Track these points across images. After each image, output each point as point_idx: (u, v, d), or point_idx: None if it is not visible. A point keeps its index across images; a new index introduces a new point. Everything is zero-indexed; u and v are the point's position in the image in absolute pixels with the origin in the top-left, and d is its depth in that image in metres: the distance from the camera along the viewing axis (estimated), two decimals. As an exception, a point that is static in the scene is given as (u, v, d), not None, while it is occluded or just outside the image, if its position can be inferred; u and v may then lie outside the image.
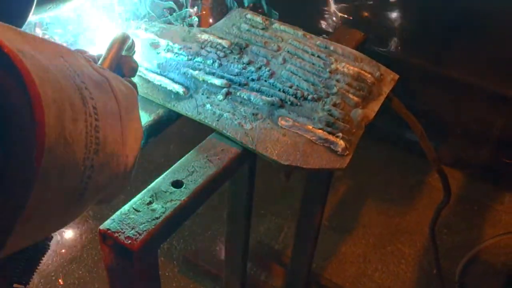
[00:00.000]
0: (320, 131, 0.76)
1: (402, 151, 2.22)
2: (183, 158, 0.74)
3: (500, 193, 2.08)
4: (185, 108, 0.79)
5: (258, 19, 0.93)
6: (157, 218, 0.64)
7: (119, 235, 0.61)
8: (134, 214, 0.64)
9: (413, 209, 1.98)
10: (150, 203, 0.66)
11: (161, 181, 0.70)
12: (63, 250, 1.73)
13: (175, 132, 2.22)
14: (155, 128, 0.79)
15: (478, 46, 1.92)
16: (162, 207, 0.66)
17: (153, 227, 0.63)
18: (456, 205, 2.02)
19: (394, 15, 2.04)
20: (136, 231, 0.62)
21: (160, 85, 0.81)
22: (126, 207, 0.66)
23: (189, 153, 0.75)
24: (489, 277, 1.77)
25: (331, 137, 0.75)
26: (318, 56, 0.86)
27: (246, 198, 1.09)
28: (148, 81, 0.82)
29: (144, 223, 0.63)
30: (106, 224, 0.63)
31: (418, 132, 0.94)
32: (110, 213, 1.94)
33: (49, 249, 0.48)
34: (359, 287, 1.69)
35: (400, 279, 1.73)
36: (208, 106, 0.78)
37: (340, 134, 0.76)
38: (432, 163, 1.00)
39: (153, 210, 0.65)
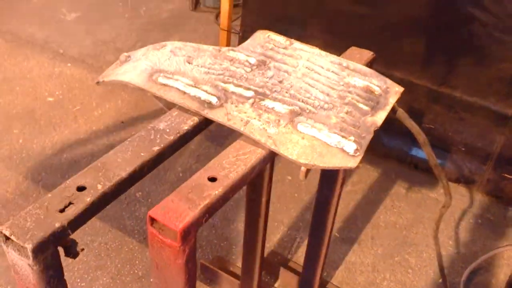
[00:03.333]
0: (334, 135, 0.87)
1: (408, 167, 2.32)
2: (215, 158, 0.85)
3: (502, 207, 2.17)
4: (217, 115, 0.91)
5: (280, 39, 1.06)
6: (196, 206, 0.75)
7: (165, 218, 0.72)
8: (177, 203, 0.75)
9: (419, 222, 2.07)
10: (189, 193, 0.77)
11: (198, 176, 0.81)
12: (88, 258, 1.83)
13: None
14: (192, 133, 0.91)
15: (480, 67, 2.04)
16: (200, 197, 0.77)
17: (193, 215, 0.74)
18: (460, 219, 2.11)
19: (401, 38, 2.17)
20: (180, 216, 0.73)
21: (195, 96, 0.93)
22: (170, 197, 0.77)
23: (221, 153, 0.86)
24: (493, 287, 1.84)
25: (344, 140, 0.87)
26: (333, 71, 0.98)
27: (264, 202, 1.20)
28: (184, 93, 0.94)
29: (185, 213, 0.74)
30: (154, 210, 0.74)
31: (422, 139, 1.04)
32: (128, 222, 2.03)
33: None
34: (368, 295, 1.78)
35: (407, 287, 1.82)
36: (236, 113, 0.90)
37: (352, 138, 0.87)
38: (433, 168, 1.10)
39: (193, 199, 0.76)
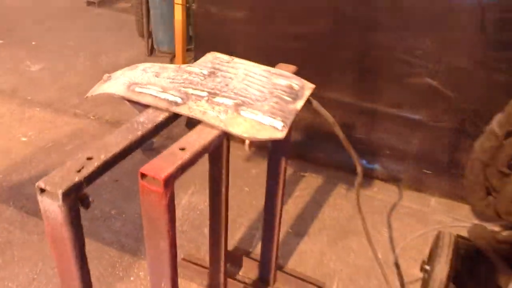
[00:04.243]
0: (267, 117, 1.23)
1: (347, 173, 2.70)
2: (183, 137, 1.19)
3: (426, 198, 2.57)
4: (182, 110, 1.25)
5: (225, 56, 1.43)
6: (173, 164, 1.08)
7: (152, 172, 1.05)
8: (159, 163, 1.08)
9: (357, 215, 2.42)
10: (167, 158, 1.10)
11: (172, 148, 1.14)
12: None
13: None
14: (164, 124, 1.24)
15: (393, 83, 2.48)
16: (175, 159, 1.10)
17: (171, 169, 1.06)
18: (391, 210, 2.50)
19: (332, 67, 2.60)
20: (162, 170, 1.05)
21: (165, 98, 1.27)
22: (153, 160, 1.09)
23: (187, 134, 1.20)
24: (419, 260, 2.20)
25: (274, 120, 1.23)
26: (264, 76, 1.36)
27: (224, 176, 1.52)
28: (156, 97, 1.28)
29: (165, 168, 1.07)
30: (144, 168, 1.06)
31: (331, 122, 1.41)
32: (106, 235, 2.30)
33: None
34: (318, 273, 2.10)
35: (350, 265, 2.15)
36: (196, 107, 1.25)
37: (280, 118, 1.23)
38: (343, 142, 1.47)
39: (170, 160, 1.09)
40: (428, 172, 2.55)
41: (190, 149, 1.14)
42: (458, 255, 1.93)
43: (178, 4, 3.10)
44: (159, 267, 1.18)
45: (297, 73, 1.56)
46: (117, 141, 1.15)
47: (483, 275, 1.95)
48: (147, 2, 3.87)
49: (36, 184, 1.01)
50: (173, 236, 1.13)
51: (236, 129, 1.21)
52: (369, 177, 2.67)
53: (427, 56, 2.31)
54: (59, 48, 4.14)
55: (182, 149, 1.14)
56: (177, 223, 2.32)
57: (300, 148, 2.78)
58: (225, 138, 1.29)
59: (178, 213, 2.39)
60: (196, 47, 3.06)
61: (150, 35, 4.06)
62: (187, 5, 3.16)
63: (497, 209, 1.72)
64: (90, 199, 1.06)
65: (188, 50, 3.54)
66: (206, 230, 2.28)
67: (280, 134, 1.21)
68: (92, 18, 4.83)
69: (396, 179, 2.63)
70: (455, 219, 2.46)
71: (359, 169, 1.57)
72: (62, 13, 4.88)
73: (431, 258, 1.86)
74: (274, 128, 1.22)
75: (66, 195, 0.99)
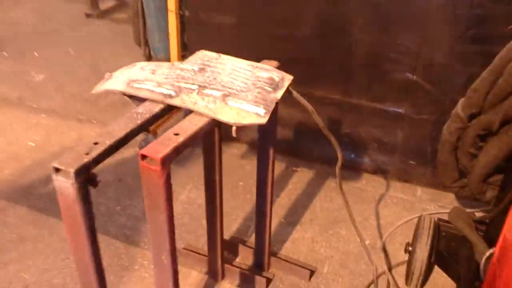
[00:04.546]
0: (251, 105, 1.39)
1: (337, 167, 2.85)
2: (177, 124, 1.34)
3: (413, 188, 2.72)
4: (175, 101, 1.40)
5: (213, 54, 1.59)
6: (168, 146, 1.23)
7: (151, 153, 1.20)
8: (157, 146, 1.23)
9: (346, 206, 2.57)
10: (163, 142, 1.25)
11: (167, 134, 1.29)
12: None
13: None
14: (160, 114, 1.40)
15: (377, 79, 2.63)
16: (170, 143, 1.25)
17: (167, 150, 1.22)
18: (379, 200, 2.64)
19: (318, 64, 2.75)
20: (160, 152, 1.20)
21: (160, 92, 1.43)
22: (151, 144, 1.24)
23: (180, 122, 1.35)
24: (404, 246, 2.34)
25: (257, 108, 1.38)
26: (248, 70, 1.52)
27: (217, 165, 1.67)
28: (153, 91, 1.44)
29: (162, 150, 1.22)
30: (143, 150, 1.21)
31: (310, 110, 1.56)
32: (112, 228, 2.45)
33: None
34: (310, 259, 2.24)
35: (339, 251, 2.30)
36: (188, 99, 1.41)
37: (262, 106, 1.39)
38: (322, 130, 1.62)
39: (166, 144, 1.24)
40: (413, 163, 2.70)
41: (183, 134, 1.30)
42: (440, 237, 2.07)
43: (171, 11, 3.26)
44: (159, 240, 1.33)
45: (279, 67, 1.72)
46: (119, 129, 1.30)
47: (463, 254, 2.09)
48: (143, 12, 4.04)
49: (51, 164, 1.16)
50: (170, 210, 1.28)
51: (224, 116, 1.36)
52: (357, 170, 2.81)
53: (407, 52, 2.46)
54: (61, 58, 4.31)
55: (176, 134, 1.29)
56: (177, 216, 2.49)
57: (293, 144, 2.93)
58: (216, 127, 1.45)
59: (178, 207, 2.54)
60: (190, 52, 3.22)
61: (146, 43, 4.23)
62: (181, 12, 3.33)
63: (471, 190, 1.86)
64: (98, 179, 1.22)
65: (183, 56, 3.70)
66: (204, 222, 2.42)
67: (263, 120, 1.37)
68: (91, 29, 5.01)
69: (384, 171, 2.78)
70: (440, 206, 2.60)
71: (338, 153, 1.72)
72: (62, 26, 5.06)
73: (414, 240, 2.00)
74: (258, 115, 1.37)
75: (78, 174, 1.14)
